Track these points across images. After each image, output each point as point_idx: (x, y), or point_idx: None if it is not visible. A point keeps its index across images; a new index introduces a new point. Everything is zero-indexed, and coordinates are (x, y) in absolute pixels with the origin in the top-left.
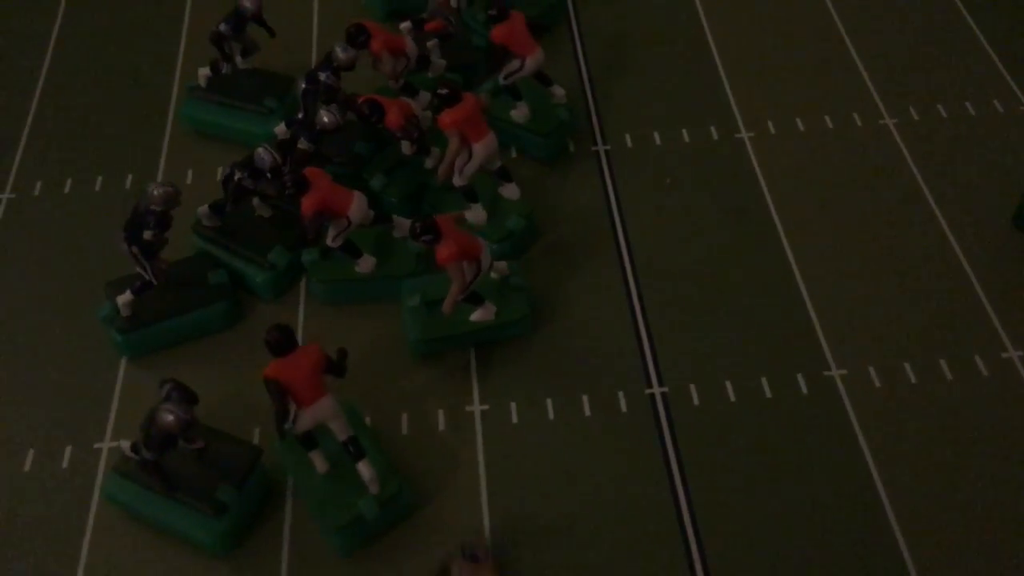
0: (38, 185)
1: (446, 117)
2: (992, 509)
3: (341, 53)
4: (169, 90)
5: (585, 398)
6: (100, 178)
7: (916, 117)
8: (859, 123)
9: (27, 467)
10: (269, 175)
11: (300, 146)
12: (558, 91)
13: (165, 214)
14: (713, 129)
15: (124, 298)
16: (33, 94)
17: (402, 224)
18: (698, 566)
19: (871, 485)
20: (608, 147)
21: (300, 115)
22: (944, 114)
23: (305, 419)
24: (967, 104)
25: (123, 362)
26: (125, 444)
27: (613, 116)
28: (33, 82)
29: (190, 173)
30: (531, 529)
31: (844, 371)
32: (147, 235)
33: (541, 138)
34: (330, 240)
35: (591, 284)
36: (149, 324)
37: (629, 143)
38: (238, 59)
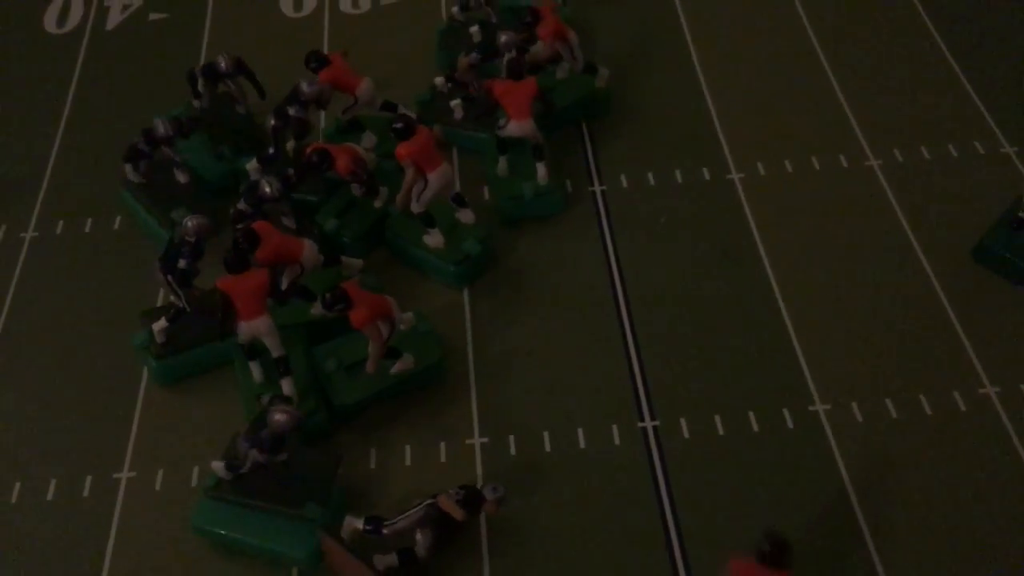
0: (60, 224)
1: (402, 149)
2: (972, 539)
3: (307, 88)
4: None
5: (580, 431)
6: (119, 217)
7: (900, 159)
8: (845, 164)
9: (49, 496)
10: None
11: (239, 207)
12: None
13: (198, 244)
14: (705, 170)
15: (159, 325)
16: (54, 138)
17: (351, 264)
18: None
19: (852, 515)
20: (604, 187)
21: (271, 151)
22: (927, 155)
23: (243, 330)
24: (950, 146)
25: (141, 392)
26: (219, 465)
27: (609, 157)
28: (54, 127)
29: None
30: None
31: (828, 406)
32: (182, 264)
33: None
34: (283, 286)
35: (585, 319)
36: (183, 351)
37: (624, 183)
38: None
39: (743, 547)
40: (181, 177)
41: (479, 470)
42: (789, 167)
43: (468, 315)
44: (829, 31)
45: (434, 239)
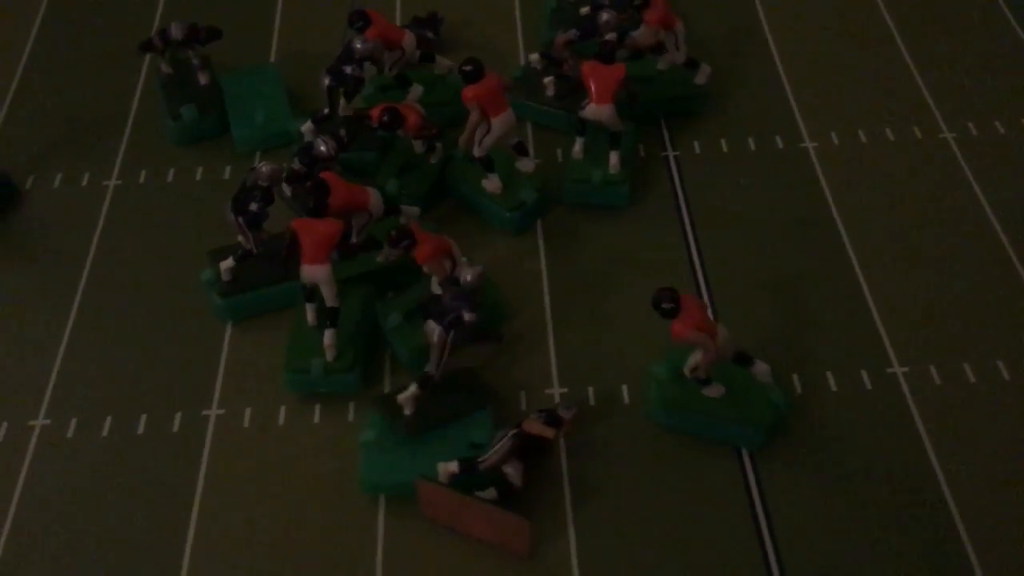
0: (142, 174)
1: (468, 91)
2: None
3: (360, 45)
4: None
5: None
6: (200, 168)
7: (975, 133)
8: (919, 136)
9: (140, 430)
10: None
11: (294, 166)
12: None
13: (269, 189)
14: (778, 138)
15: (226, 264)
16: (133, 93)
17: (409, 212)
18: (768, 546)
19: (932, 476)
20: (677, 153)
21: (326, 111)
22: (1001, 130)
23: (304, 273)
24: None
25: (228, 332)
26: (408, 394)
27: (681, 124)
28: (134, 81)
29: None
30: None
31: (906, 369)
32: (253, 207)
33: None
34: (355, 237)
35: (659, 281)
36: (247, 290)
37: (697, 149)
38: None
39: (822, 508)
40: (202, 78)
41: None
42: (863, 137)
43: (545, 273)
44: (902, 5)
45: (492, 184)
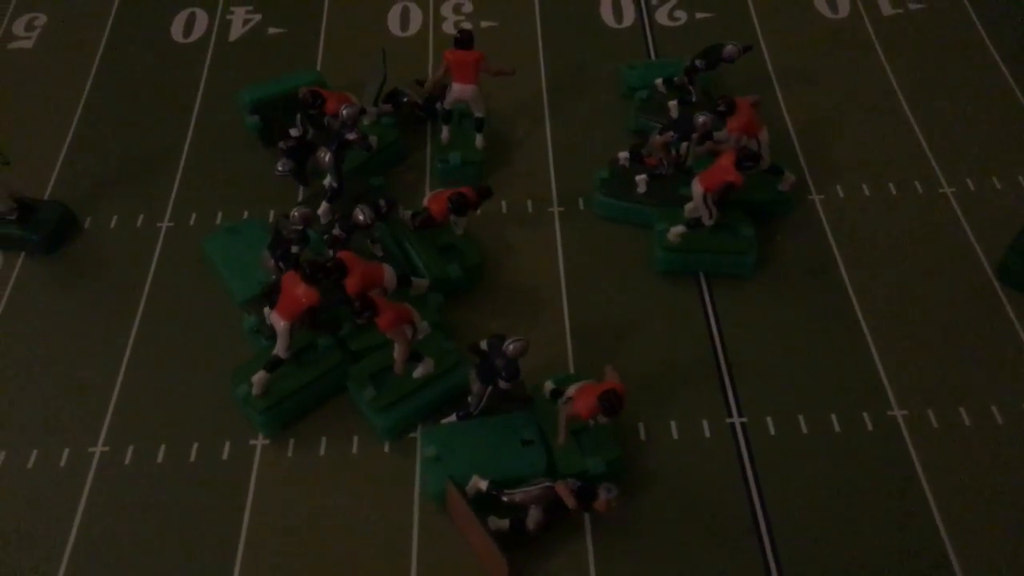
0: (193, 216)
1: (447, 54)
2: None
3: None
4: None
5: (673, 423)
6: (245, 212)
7: (972, 188)
8: (920, 191)
9: (192, 457)
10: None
11: (334, 232)
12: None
13: (304, 231)
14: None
15: (258, 377)
16: (185, 137)
17: (419, 284)
18: (771, 558)
19: (928, 512)
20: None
21: (335, 184)
22: (998, 186)
23: (271, 317)
24: (1021, 178)
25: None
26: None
27: None
28: (184, 127)
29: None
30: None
31: (905, 412)
32: (295, 249)
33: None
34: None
35: (675, 321)
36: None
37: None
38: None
39: (829, 533)
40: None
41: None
42: (867, 191)
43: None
44: (905, 65)
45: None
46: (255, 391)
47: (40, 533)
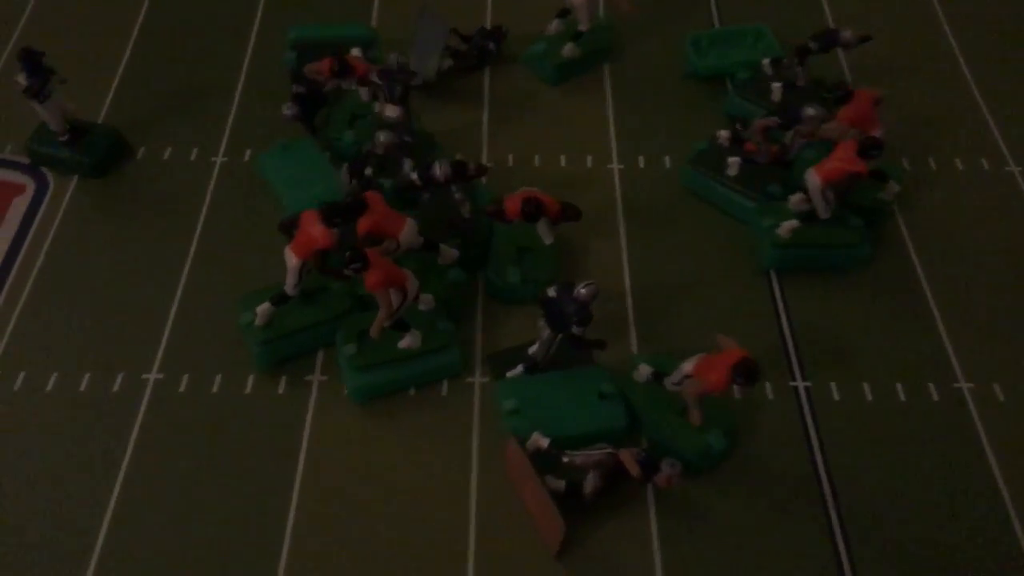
0: (247, 152)
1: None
2: None
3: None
4: None
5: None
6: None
7: None
8: (986, 167)
9: (248, 390)
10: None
11: (412, 177)
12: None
13: (385, 158)
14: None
15: (263, 308)
16: (240, 68)
17: (447, 253)
18: (837, 529)
19: (994, 485)
20: None
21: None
22: None
23: (286, 252)
24: None
25: None
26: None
27: None
28: (240, 61)
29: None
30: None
31: (971, 384)
32: (368, 171)
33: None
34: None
35: (738, 288)
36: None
37: None
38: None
39: (896, 503)
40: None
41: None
42: (933, 165)
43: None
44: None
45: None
46: (257, 321)
47: (93, 459)
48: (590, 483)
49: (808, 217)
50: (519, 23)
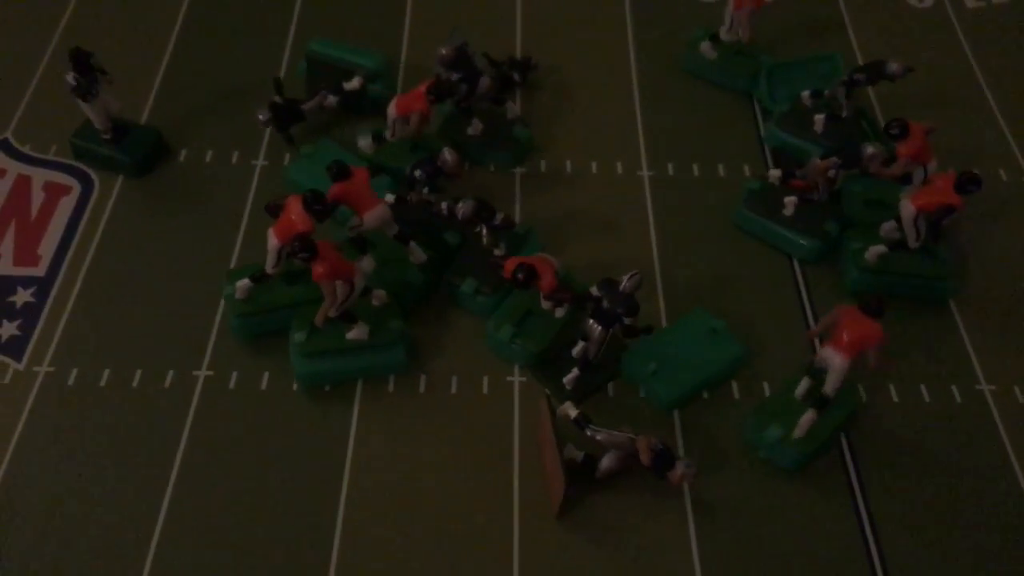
0: (287, 157)
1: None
2: None
3: (448, 156)
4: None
5: (766, 384)
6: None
7: None
8: (1004, 178)
9: (296, 386)
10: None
11: (415, 174)
12: None
13: (438, 172)
14: None
15: (243, 283)
16: (279, 69)
17: (415, 253)
18: (865, 519)
19: (1016, 484)
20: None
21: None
22: None
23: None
24: None
25: None
26: (571, 376)
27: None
28: (277, 65)
29: None
30: None
31: (993, 387)
32: (418, 173)
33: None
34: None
35: (762, 285)
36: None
37: None
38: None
39: (924, 498)
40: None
41: None
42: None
43: None
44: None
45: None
46: (237, 294)
47: (145, 454)
48: (606, 462)
49: (897, 245)
50: (547, 53)
